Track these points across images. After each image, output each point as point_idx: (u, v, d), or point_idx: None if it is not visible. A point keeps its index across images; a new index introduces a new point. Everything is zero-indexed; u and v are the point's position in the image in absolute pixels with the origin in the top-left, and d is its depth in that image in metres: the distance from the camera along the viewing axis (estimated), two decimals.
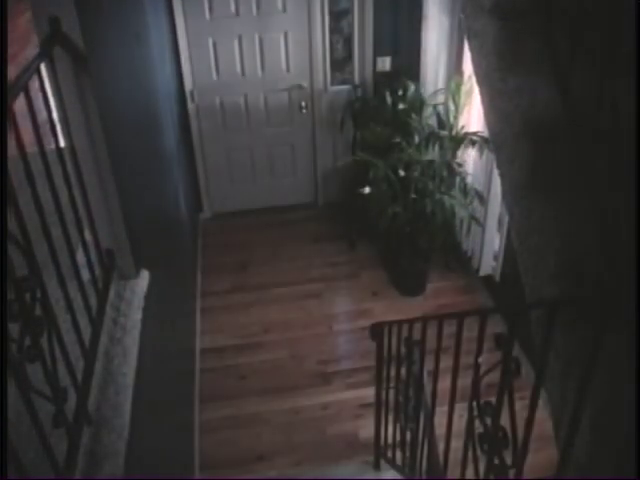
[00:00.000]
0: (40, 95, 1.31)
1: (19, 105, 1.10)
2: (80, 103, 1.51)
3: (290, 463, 3.10)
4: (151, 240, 2.43)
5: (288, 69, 4.65)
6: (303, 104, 4.73)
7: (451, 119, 3.78)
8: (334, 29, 4.59)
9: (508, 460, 1.47)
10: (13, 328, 0.99)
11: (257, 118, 4.81)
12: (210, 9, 4.37)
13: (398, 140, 3.87)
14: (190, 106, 4.64)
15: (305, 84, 4.67)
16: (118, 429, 1.41)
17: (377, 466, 2.98)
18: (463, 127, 3.77)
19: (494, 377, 1.46)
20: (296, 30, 4.50)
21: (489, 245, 3.82)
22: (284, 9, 4.44)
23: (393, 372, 2.64)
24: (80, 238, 1.52)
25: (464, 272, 4.28)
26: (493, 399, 1.48)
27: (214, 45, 4.48)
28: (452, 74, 3.81)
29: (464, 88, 3.65)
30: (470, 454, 1.65)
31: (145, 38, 3.01)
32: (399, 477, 2.81)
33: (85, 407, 1.36)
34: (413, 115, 3.91)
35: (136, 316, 1.74)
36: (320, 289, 4.29)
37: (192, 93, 4.59)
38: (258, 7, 4.40)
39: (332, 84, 4.77)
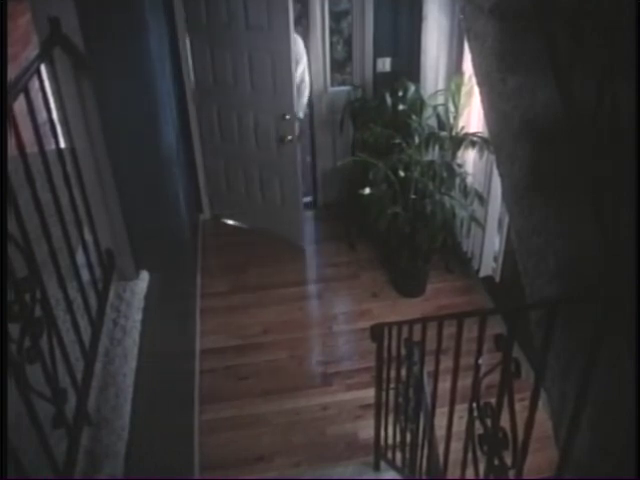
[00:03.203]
0: (40, 96, 1.31)
1: (19, 105, 1.10)
2: (80, 103, 1.51)
3: (290, 464, 3.10)
4: (151, 241, 2.43)
5: (275, 92, 4.18)
6: (289, 138, 4.25)
7: (451, 120, 3.78)
8: (334, 30, 4.60)
9: (508, 461, 1.47)
10: (13, 329, 0.99)
11: (247, 132, 4.53)
12: (207, 13, 4.19)
13: (398, 141, 3.87)
14: (190, 107, 4.63)
15: (288, 116, 4.17)
16: (118, 430, 1.41)
17: (377, 467, 2.97)
18: (463, 128, 3.77)
19: (494, 378, 1.47)
20: (282, 50, 3.97)
21: (489, 246, 3.82)
22: (270, 27, 3.95)
23: (393, 373, 2.64)
24: (80, 239, 1.52)
25: (464, 273, 4.28)
26: (493, 400, 1.48)
27: (211, 51, 4.37)
28: (452, 75, 3.81)
29: (464, 89, 3.65)
30: (470, 455, 1.65)
31: (145, 38, 3.01)
32: (399, 478, 2.81)
33: (85, 408, 1.36)
34: (413, 116, 3.91)
35: (136, 317, 1.74)
36: (320, 290, 4.30)
37: (192, 94, 4.59)
38: (247, 23, 4.05)
39: (332, 85, 4.77)
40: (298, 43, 4.36)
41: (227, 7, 4.08)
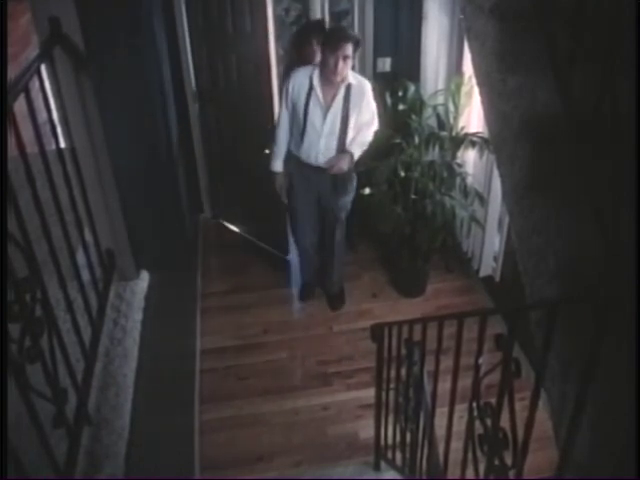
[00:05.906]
0: (40, 96, 1.31)
1: (19, 105, 1.10)
2: (80, 103, 1.51)
3: (290, 464, 3.09)
4: (151, 241, 2.43)
5: (258, 100, 3.99)
6: (267, 151, 3.86)
7: (451, 120, 3.77)
8: None
9: (508, 461, 1.47)
10: (13, 329, 0.99)
11: (237, 138, 4.42)
12: (203, 14, 4.10)
13: (398, 141, 3.87)
14: (191, 106, 4.62)
15: (269, 126, 3.86)
16: (118, 430, 1.41)
17: (377, 467, 2.97)
18: (463, 128, 3.77)
19: (494, 378, 1.46)
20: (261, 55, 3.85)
21: (489, 246, 3.82)
22: (252, 30, 3.82)
23: (393, 373, 2.64)
24: (80, 238, 1.52)
25: (464, 273, 4.27)
26: (493, 400, 1.48)
27: (207, 53, 4.28)
28: (452, 75, 3.81)
29: (464, 89, 3.65)
30: (470, 455, 1.65)
31: (145, 38, 3.01)
32: (399, 478, 2.81)
33: (85, 408, 1.36)
34: (413, 116, 3.91)
35: (136, 317, 1.74)
36: (320, 290, 4.29)
37: (193, 94, 4.58)
38: (234, 25, 3.91)
39: None
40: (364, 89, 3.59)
41: (218, 8, 4.02)
